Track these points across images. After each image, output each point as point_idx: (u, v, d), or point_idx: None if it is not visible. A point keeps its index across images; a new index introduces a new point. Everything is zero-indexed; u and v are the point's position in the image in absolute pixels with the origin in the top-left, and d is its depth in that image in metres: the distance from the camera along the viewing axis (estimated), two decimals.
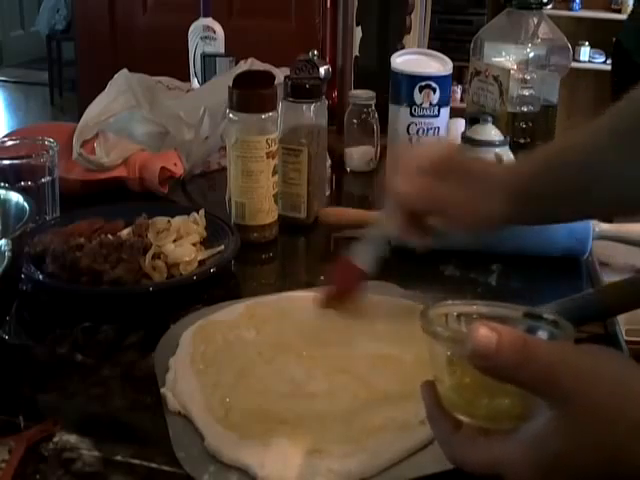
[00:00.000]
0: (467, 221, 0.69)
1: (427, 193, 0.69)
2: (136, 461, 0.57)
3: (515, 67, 1.19)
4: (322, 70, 1.04)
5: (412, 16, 1.65)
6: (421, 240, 0.72)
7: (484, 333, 0.44)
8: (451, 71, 1.13)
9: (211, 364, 0.66)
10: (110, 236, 0.85)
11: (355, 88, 1.29)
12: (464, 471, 0.49)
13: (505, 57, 1.21)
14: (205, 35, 1.47)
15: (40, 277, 0.80)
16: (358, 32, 1.38)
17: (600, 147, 0.66)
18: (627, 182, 0.65)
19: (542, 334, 0.51)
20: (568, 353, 0.45)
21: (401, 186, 0.70)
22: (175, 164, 1.10)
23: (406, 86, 1.11)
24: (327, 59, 1.28)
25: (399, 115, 1.13)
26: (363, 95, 1.22)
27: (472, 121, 1.16)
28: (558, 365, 0.44)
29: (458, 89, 3.80)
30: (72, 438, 0.59)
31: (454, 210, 0.69)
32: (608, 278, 0.88)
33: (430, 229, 0.71)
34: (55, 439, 0.59)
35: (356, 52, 1.35)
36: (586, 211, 0.72)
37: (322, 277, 0.87)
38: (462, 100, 3.56)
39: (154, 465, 0.57)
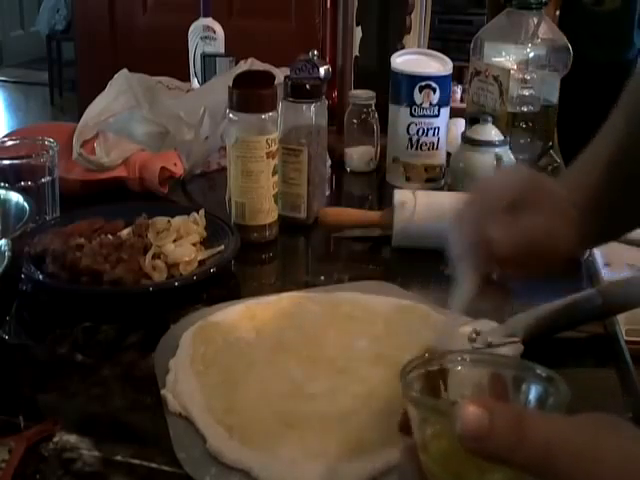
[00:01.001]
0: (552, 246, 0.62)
1: (508, 231, 0.60)
2: (136, 461, 0.57)
3: (515, 67, 1.19)
4: (322, 70, 1.03)
5: (412, 16, 1.65)
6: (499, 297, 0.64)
7: (474, 412, 0.39)
8: (451, 71, 1.13)
9: (211, 365, 0.66)
10: (110, 236, 0.85)
11: (355, 88, 1.29)
12: None
13: (505, 57, 1.21)
14: (205, 35, 1.47)
15: (40, 277, 0.80)
16: (358, 32, 1.38)
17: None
18: None
19: (535, 389, 0.46)
20: (566, 429, 0.41)
21: (493, 232, 0.59)
22: (175, 164, 1.10)
23: (406, 86, 1.12)
24: (327, 59, 1.28)
25: (399, 115, 1.13)
26: (363, 95, 1.22)
27: (472, 121, 1.16)
28: (556, 445, 0.40)
29: (458, 89, 3.79)
30: (72, 438, 0.59)
31: (536, 239, 0.61)
32: (608, 278, 0.88)
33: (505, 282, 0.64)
34: (55, 439, 0.59)
35: (356, 52, 1.35)
36: None
37: (322, 277, 0.87)
38: (462, 100, 3.56)
39: (154, 465, 0.57)
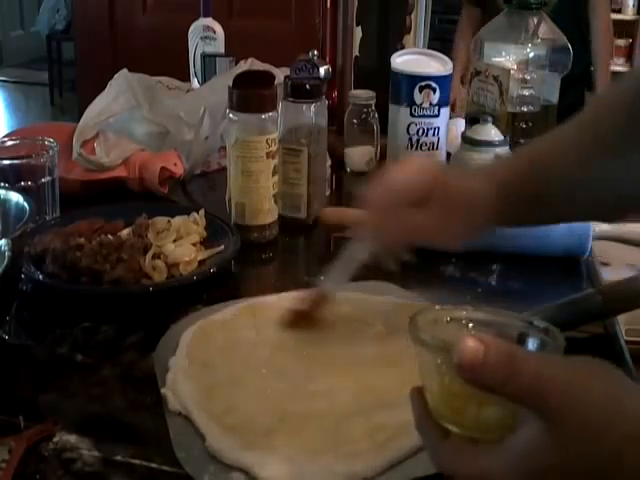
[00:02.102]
0: (437, 244, 0.72)
1: (400, 226, 0.69)
2: (136, 461, 0.57)
3: (515, 67, 1.19)
4: (322, 70, 1.03)
5: (412, 16, 1.65)
6: (394, 263, 0.72)
7: (471, 344, 0.43)
8: (451, 71, 1.13)
9: (211, 364, 0.66)
10: (110, 236, 0.85)
11: (355, 88, 1.29)
12: None
13: (505, 57, 1.21)
14: (205, 35, 1.47)
15: (40, 277, 0.80)
16: (358, 32, 1.38)
17: (584, 151, 0.67)
18: (611, 183, 0.65)
19: (532, 341, 0.50)
20: (557, 366, 0.45)
21: (374, 219, 0.70)
22: (175, 164, 1.10)
23: (406, 86, 1.12)
24: (327, 59, 1.27)
25: (399, 115, 1.13)
26: (363, 95, 1.22)
27: (472, 121, 1.16)
28: (546, 379, 0.43)
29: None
30: (72, 438, 0.59)
31: (423, 238, 0.70)
32: (608, 278, 0.88)
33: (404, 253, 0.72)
34: (55, 439, 0.59)
35: (356, 52, 1.35)
36: (572, 213, 0.72)
37: (322, 277, 0.87)
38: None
39: (154, 465, 0.57)
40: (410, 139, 1.13)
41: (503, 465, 0.45)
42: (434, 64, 1.14)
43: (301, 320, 0.73)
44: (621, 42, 4.20)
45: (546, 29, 1.20)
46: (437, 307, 0.54)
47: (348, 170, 1.24)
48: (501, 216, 0.69)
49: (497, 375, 0.43)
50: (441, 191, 0.69)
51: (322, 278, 0.76)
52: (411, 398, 0.51)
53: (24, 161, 0.94)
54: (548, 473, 0.44)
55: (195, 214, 0.92)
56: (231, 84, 0.93)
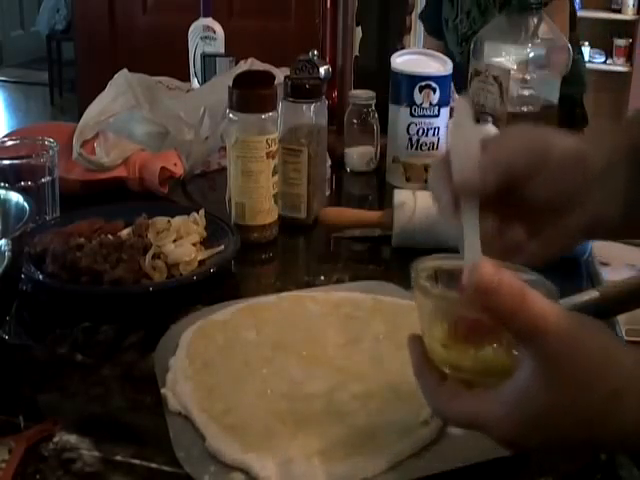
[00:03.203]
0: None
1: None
2: (136, 461, 0.57)
3: (515, 67, 1.19)
4: (322, 70, 1.04)
5: (412, 16, 1.65)
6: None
7: (489, 270, 0.45)
8: (451, 71, 1.13)
9: (211, 364, 0.66)
10: (110, 236, 0.85)
11: (355, 88, 1.29)
12: (447, 424, 0.51)
13: (505, 57, 1.21)
14: (205, 35, 1.47)
15: (40, 277, 0.80)
16: (358, 32, 1.38)
17: None
18: None
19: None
20: (564, 313, 0.45)
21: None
22: (175, 164, 1.10)
23: (406, 86, 1.12)
24: (327, 59, 1.27)
25: (399, 115, 1.13)
26: (363, 95, 1.22)
27: None
28: (552, 321, 0.44)
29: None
30: (72, 438, 0.59)
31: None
32: (608, 278, 0.88)
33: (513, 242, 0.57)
34: (55, 439, 0.59)
35: (356, 52, 1.35)
36: None
37: (322, 277, 0.87)
38: None
39: (154, 465, 0.57)
40: (410, 139, 1.13)
41: (497, 408, 0.46)
42: (434, 64, 1.14)
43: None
44: (621, 42, 4.20)
45: (546, 29, 1.20)
46: (440, 255, 0.55)
47: (348, 170, 1.24)
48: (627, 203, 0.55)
49: (507, 304, 0.44)
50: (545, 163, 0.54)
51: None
52: (409, 343, 0.52)
53: (24, 161, 0.94)
54: (540, 416, 0.45)
55: (195, 214, 0.92)
56: (231, 84, 0.93)
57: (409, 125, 1.13)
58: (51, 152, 0.96)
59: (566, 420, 0.45)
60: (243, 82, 0.93)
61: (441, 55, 1.16)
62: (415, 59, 1.15)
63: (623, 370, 0.45)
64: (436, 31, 1.90)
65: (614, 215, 0.55)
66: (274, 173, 0.95)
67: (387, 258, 0.96)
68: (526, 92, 1.20)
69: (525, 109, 1.21)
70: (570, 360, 0.44)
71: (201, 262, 0.86)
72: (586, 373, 0.44)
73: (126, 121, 1.14)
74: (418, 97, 1.11)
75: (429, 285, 0.50)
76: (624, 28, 4.15)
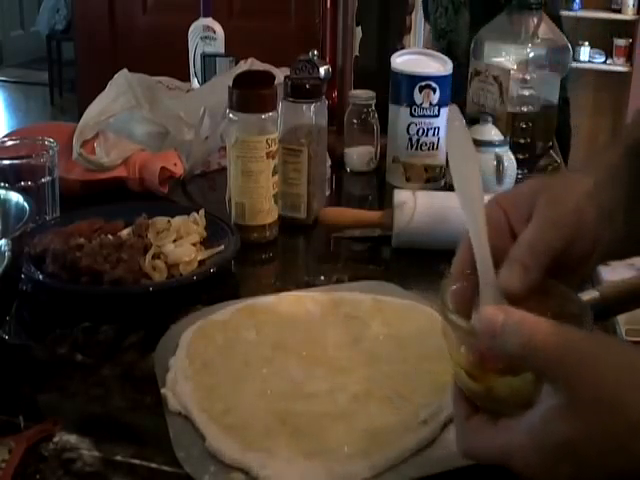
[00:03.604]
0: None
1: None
2: (136, 461, 0.57)
3: (515, 67, 1.19)
4: (322, 70, 1.04)
5: (412, 16, 1.65)
6: None
7: (491, 312, 0.45)
8: (451, 71, 1.13)
9: (211, 364, 0.66)
10: (110, 236, 0.85)
11: (355, 88, 1.29)
12: (475, 462, 0.49)
13: (505, 57, 1.21)
14: (205, 35, 1.47)
15: (40, 277, 0.80)
16: (358, 32, 1.38)
17: None
18: None
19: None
20: (573, 336, 0.45)
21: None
22: (175, 164, 1.10)
23: (406, 86, 1.12)
24: (327, 59, 1.27)
25: (399, 115, 1.13)
26: (363, 95, 1.22)
27: (472, 121, 1.16)
28: (563, 348, 0.44)
29: None
30: (72, 438, 0.59)
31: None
32: (608, 278, 0.88)
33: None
34: (55, 439, 0.59)
35: (356, 52, 1.35)
36: None
37: (322, 277, 0.87)
38: None
39: (154, 465, 0.57)
40: (410, 139, 1.13)
41: (522, 440, 0.45)
42: (434, 64, 1.14)
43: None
44: (621, 42, 4.19)
45: (546, 29, 1.21)
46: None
47: (348, 170, 1.24)
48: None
49: (515, 341, 0.44)
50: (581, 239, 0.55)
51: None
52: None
53: (24, 161, 0.94)
54: (567, 446, 0.44)
55: (195, 214, 0.92)
56: (231, 84, 0.93)
57: (409, 125, 1.13)
58: (51, 152, 0.96)
59: (595, 448, 0.44)
60: (243, 82, 0.93)
61: (441, 55, 1.16)
62: (415, 59, 1.15)
63: None
64: None
65: (618, 242, 0.57)
66: (274, 173, 0.95)
67: (387, 258, 0.96)
68: (526, 92, 1.20)
69: (525, 109, 1.21)
70: (591, 387, 0.43)
71: (201, 262, 0.86)
72: (610, 398, 0.43)
73: (126, 121, 1.14)
74: (418, 97, 1.11)
75: (455, 318, 0.49)
76: (624, 28, 4.15)
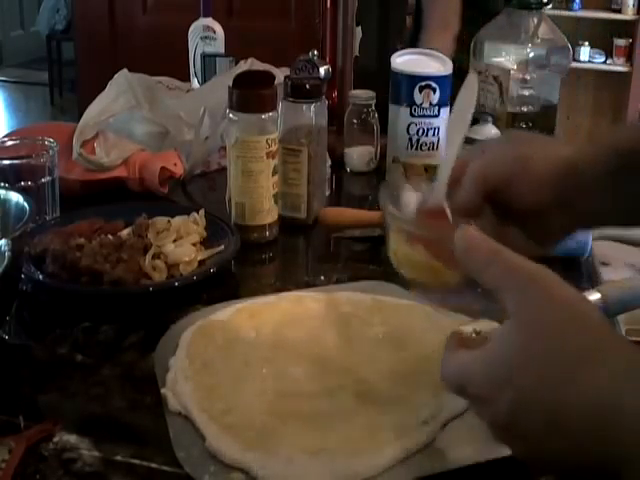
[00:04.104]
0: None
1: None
2: (136, 461, 0.57)
3: (515, 67, 1.19)
4: (322, 70, 1.04)
5: (412, 16, 1.65)
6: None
7: (471, 232, 0.50)
8: (451, 71, 1.13)
9: (211, 364, 0.66)
10: (110, 236, 0.85)
11: (355, 88, 1.29)
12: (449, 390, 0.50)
13: (505, 57, 1.21)
14: (205, 35, 1.47)
15: (40, 277, 0.80)
16: (358, 32, 1.38)
17: None
18: None
19: None
20: (533, 265, 0.47)
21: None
22: (175, 164, 1.10)
23: (406, 86, 1.11)
24: (327, 59, 1.27)
25: (399, 115, 1.13)
26: (363, 95, 1.22)
27: (472, 121, 1.16)
28: (519, 268, 0.47)
29: None
30: (72, 438, 0.59)
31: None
32: (608, 278, 0.88)
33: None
34: (55, 439, 0.59)
35: (356, 52, 1.35)
36: None
37: (322, 277, 0.87)
38: None
39: (154, 465, 0.57)
40: (410, 139, 1.13)
41: (476, 363, 0.47)
42: (434, 64, 1.14)
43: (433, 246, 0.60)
44: (621, 42, 4.19)
45: (546, 29, 1.21)
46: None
47: (348, 170, 1.24)
48: (615, 198, 0.59)
49: (480, 260, 0.49)
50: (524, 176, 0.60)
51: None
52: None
53: (24, 161, 0.94)
54: (512, 373, 0.44)
55: (195, 214, 0.92)
56: (231, 84, 0.93)
57: (409, 125, 1.13)
58: (51, 152, 0.96)
59: (535, 378, 0.44)
60: (243, 82, 0.93)
61: (441, 55, 1.16)
62: (415, 59, 1.15)
63: (602, 328, 0.45)
64: None
65: (603, 214, 0.61)
66: (274, 173, 0.95)
67: (387, 258, 0.96)
68: (526, 92, 1.20)
69: (525, 109, 1.21)
70: (537, 314, 0.45)
71: (201, 262, 0.86)
72: (555, 329, 0.44)
73: (126, 121, 1.14)
74: (418, 97, 1.11)
75: (393, 210, 0.60)
76: (624, 28, 4.15)
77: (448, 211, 0.61)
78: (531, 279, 0.46)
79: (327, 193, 1.09)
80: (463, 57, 1.32)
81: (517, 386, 0.44)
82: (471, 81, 0.67)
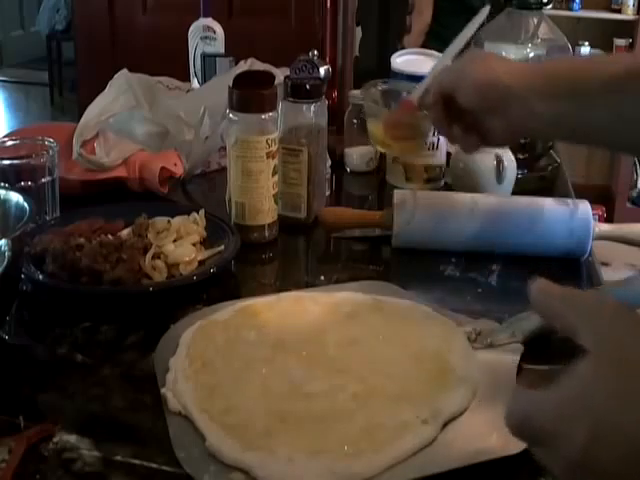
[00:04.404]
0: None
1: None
2: (136, 461, 0.57)
3: None
4: (322, 70, 1.03)
5: (412, 16, 1.65)
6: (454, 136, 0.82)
7: (545, 282, 0.50)
8: None
9: (211, 364, 0.66)
10: (110, 236, 0.85)
11: (355, 88, 1.29)
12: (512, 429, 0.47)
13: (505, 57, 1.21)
14: (205, 35, 1.47)
15: (40, 277, 0.80)
16: (358, 32, 1.38)
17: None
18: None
19: None
20: (612, 303, 0.47)
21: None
22: (175, 164, 1.10)
23: None
24: (327, 59, 1.27)
25: None
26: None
27: None
28: (597, 308, 0.46)
29: None
30: (72, 438, 0.59)
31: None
32: (608, 278, 0.88)
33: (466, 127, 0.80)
34: (55, 439, 0.59)
35: (356, 52, 1.35)
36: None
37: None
38: None
39: (154, 465, 0.57)
40: None
41: (543, 395, 0.45)
42: (434, 64, 1.14)
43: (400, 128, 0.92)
44: (621, 42, 4.19)
45: (546, 29, 1.20)
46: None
47: (348, 170, 1.24)
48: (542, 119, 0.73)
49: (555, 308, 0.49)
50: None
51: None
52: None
53: (24, 161, 0.94)
54: (582, 401, 0.43)
55: (195, 214, 0.92)
56: (231, 84, 0.93)
57: None
58: (51, 152, 0.96)
59: (617, 401, 0.42)
60: (243, 82, 0.93)
61: (441, 55, 1.16)
62: (415, 59, 1.15)
63: None
64: None
65: (536, 127, 0.77)
66: (274, 173, 0.95)
67: (387, 258, 0.96)
68: None
69: None
70: (617, 346, 0.44)
71: (201, 262, 0.86)
72: (634, 357, 0.43)
73: (126, 121, 1.14)
74: None
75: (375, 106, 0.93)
76: (624, 28, 4.15)
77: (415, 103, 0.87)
78: (614, 316, 0.46)
79: (327, 193, 1.09)
80: (431, 46, 1.32)
81: (596, 418, 0.42)
82: (481, 14, 0.90)
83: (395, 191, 0.97)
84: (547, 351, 0.71)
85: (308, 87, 0.98)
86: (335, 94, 1.29)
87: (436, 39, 1.71)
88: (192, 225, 0.90)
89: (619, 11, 4.13)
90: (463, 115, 0.80)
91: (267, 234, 0.96)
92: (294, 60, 1.04)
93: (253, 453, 0.55)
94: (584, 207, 0.92)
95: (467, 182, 1.05)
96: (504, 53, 1.21)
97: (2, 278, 0.65)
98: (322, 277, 0.87)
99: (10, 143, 0.99)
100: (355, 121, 1.22)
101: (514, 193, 1.04)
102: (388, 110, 0.97)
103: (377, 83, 1.02)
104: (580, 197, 0.96)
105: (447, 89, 0.80)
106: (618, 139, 0.75)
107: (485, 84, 0.76)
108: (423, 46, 1.15)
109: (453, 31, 0.94)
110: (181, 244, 0.86)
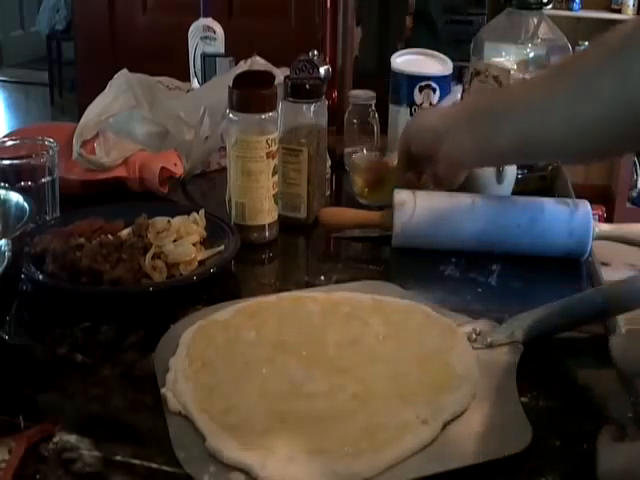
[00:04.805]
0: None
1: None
2: (136, 461, 0.57)
3: (515, 67, 1.19)
4: (322, 70, 1.04)
5: (412, 16, 1.65)
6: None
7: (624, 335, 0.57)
8: (451, 71, 1.13)
9: (211, 364, 0.66)
10: (110, 236, 0.85)
11: (355, 88, 1.29)
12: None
13: (505, 57, 1.21)
14: (205, 35, 1.47)
15: (40, 277, 0.80)
16: (358, 32, 1.38)
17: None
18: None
19: None
20: None
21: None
22: (175, 164, 1.10)
23: (406, 86, 1.12)
24: (327, 59, 1.27)
25: (399, 115, 1.13)
26: (363, 95, 1.22)
27: None
28: None
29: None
30: (72, 438, 0.59)
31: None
32: (608, 278, 0.88)
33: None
34: (55, 439, 0.59)
35: (356, 52, 1.35)
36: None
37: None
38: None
39: (154, 465, 0.57)
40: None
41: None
42: (434, 64, 1.14)
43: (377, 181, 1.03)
44: None
45: (546, 29, 1.20)
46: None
47: (348, 170, 1.24)
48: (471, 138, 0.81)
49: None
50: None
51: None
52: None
53: (24, 161, 0.94)
54: None
55: (195, 214, 0.92)
56: (231, 84, 0.93)
57: None
58: (51, 152, 0.96)
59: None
60: (243, 82, 0.93)
61: (441, 55, 1.16)
62: (415, 59, 1.15)
63: None
64: None
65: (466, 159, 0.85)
66: (274, 173, 0.95)
67: (387, 258, 0.96)
68: None
69: None
70: None
71: (201, 262, 0.86)
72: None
73: (126, 121, 1.14)
74: (418, 97, 1.11)
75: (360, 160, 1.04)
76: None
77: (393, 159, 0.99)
78: None
79: (327, 193, 1.09)
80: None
81: None
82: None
83: (395, 191, 0.97)
84: (547, 351, 0.71)
85: (308, 87, 0.99)
86: (335, 94, 1.29)
87: None
88: (192, 225, 0.90)
89: (619, 11, 4.14)
90: (420, 163, 0.92)
91: (267, 234, 0.96)
92: (294, 60, 1.04)
93: (253, 453, 0.55)
94: (584, 207, 0.92)
95: (467, 182, 1.05)
96: (504, 53, 1.21)
97: (2, 278, 0.65)
98: (322, 277, 0.87)
99: (10, 143, 0.99)
100: (355, 121, 1.22)
101: (514, 193, 1.04)
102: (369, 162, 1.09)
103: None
104: (580, 197, 0.96)
105: (403, 145, 0.93)
106: (537, 153, 0.82)
107: (420, 130, 0.90)
108: None
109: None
110: (181, 244, 0.86)
